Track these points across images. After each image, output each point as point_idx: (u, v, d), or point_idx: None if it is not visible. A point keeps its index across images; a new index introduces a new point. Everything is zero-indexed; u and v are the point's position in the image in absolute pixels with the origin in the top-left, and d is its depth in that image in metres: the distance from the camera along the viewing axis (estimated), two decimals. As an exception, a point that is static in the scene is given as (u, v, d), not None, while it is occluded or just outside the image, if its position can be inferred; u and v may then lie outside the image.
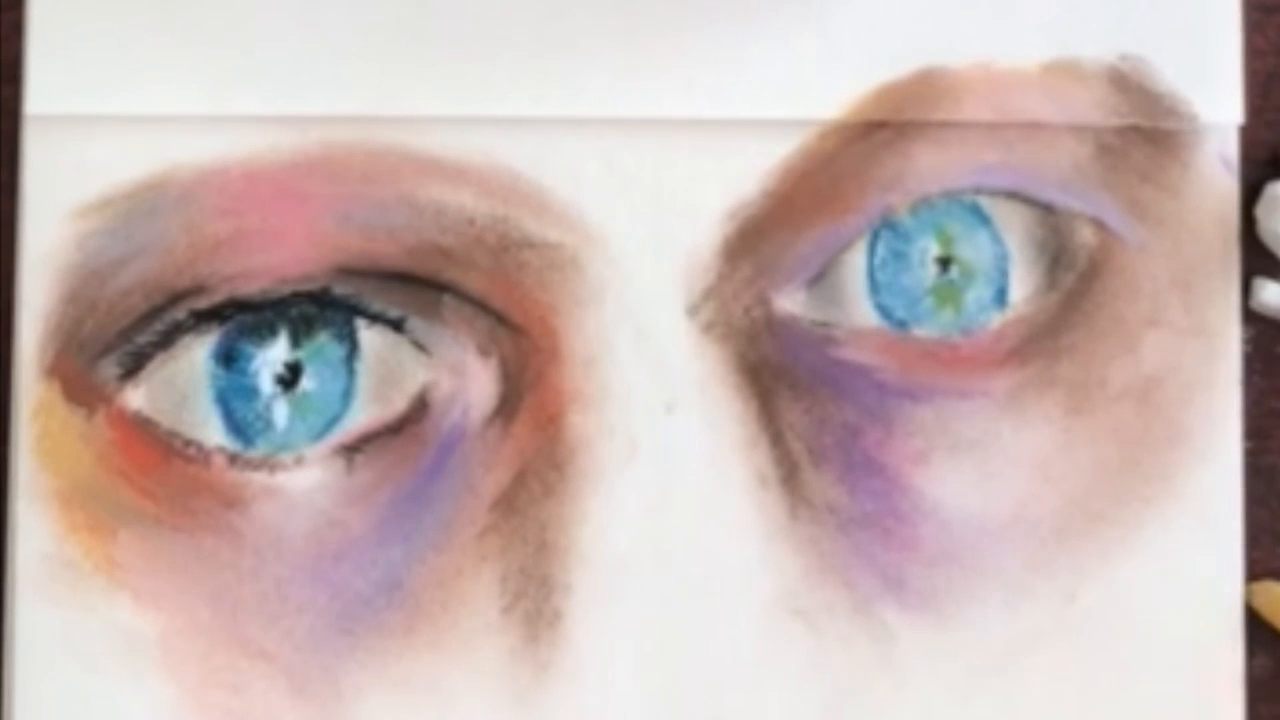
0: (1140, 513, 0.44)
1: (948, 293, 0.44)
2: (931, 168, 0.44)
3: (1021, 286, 0.44)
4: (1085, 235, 0.44)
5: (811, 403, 0.43)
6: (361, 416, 0.42)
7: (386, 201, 0.42)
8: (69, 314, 0.42)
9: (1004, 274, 0.44)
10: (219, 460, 0.42)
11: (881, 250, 0.44)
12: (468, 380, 0.42)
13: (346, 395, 0.42)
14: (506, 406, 0.42)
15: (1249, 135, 0.45)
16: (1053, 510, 0.44)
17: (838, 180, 0.43)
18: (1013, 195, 0.44)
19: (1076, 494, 0.44)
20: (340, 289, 0.42)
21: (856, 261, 0.44)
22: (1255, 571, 0.44)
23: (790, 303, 0.43)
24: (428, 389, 0.42)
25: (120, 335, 0.42)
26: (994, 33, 0.44)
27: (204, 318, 0.42)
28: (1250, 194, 0.45)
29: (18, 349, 0.42)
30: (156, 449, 0.42)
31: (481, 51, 0.43)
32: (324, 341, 0.42)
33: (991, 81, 0.44)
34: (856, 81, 0.43)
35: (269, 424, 0.42)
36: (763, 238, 0.43)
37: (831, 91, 0.43)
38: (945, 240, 0.44)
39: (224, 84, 0.42)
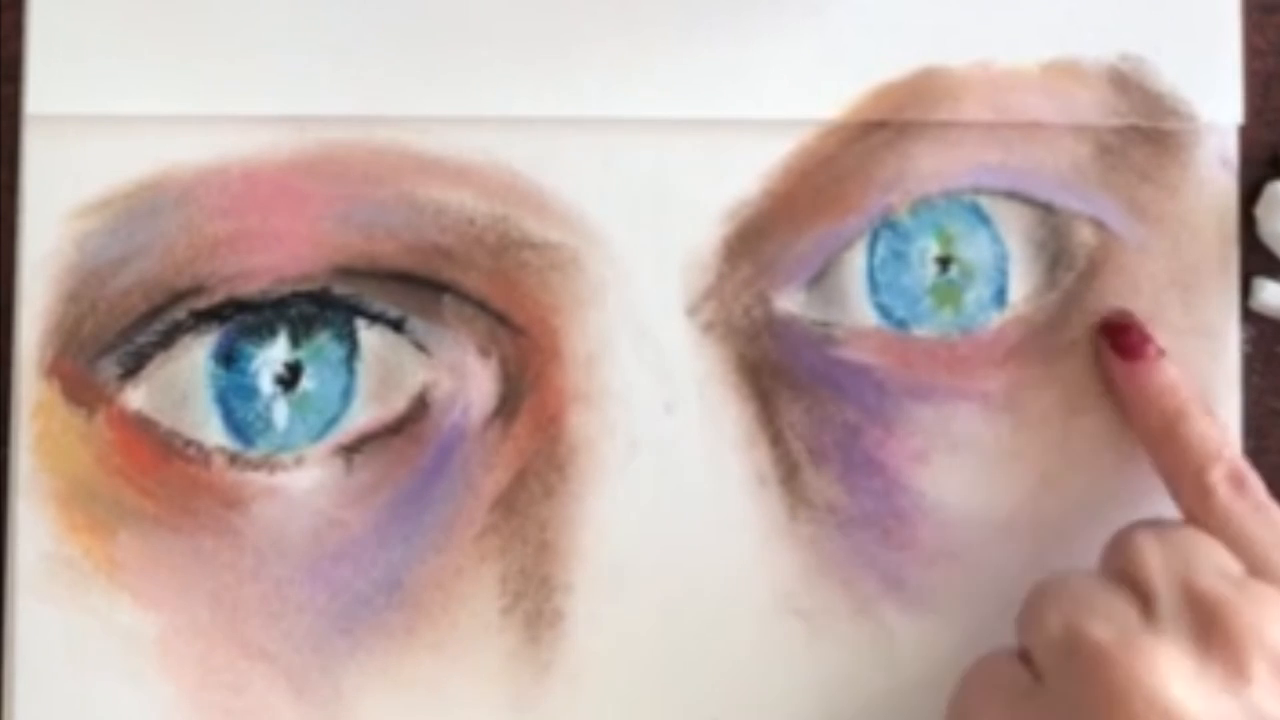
0: (1140, 513, 0.44)
1: (947, 292, 0.44)
2: (931, 168, 0.44)
3: (1021, 286, 0.44)
4: (1085, 235, 0.44)
5: (811, 402, 0.43)
6: (361, 416, 0.42)
7: (386, 201, 0.42)
8: (69, 314, 0.42)
9: (1003, 274, 0.44)
10: (219, 460, 0.42)
11: (881, 250, 0.44)
12: (468, 380, 0.42)
13: (346, 395, 0.42)
14: (506, 406, 0.42)
15: (1249, 135, 0.45)
16: (1053, 510, 0.44)
17: (838, 180, 0.43)
18: (1012, 195, 0.44)
19: (1076, 494, 0.44)
20: (340, 289, 0.42)
21: (856, 261, 0.44)
22: (1255, 571, 0.44)
23: (790, 303, 0.43)
24: (428, 389, 0.42)
25: (120, 335, 0.42)
26: (994, 33, 0.44)
27: (204, 318, 0.42)
28: (1250, 194, 0.45)
29: (18, 349, 0.42)
30: (156, 449, 0.42)
31: (481, 51, 0.43)
32: (324, 341, 0.42)
33: (991, 81, 0.44)
34: (856, 81, 0.44)
35: (269, 424, 0.42)
36: (763, 237, 0.43)
37: (831, 91, 0.43)
38: (945, 240, 0.44)
39: (224, 84, 0.42)
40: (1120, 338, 0.43)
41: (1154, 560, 0.39)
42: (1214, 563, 0.38)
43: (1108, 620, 0.38)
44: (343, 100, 0.42)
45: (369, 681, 0.42)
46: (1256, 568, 0.39)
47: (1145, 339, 0.43)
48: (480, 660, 0.42)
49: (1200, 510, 0.40)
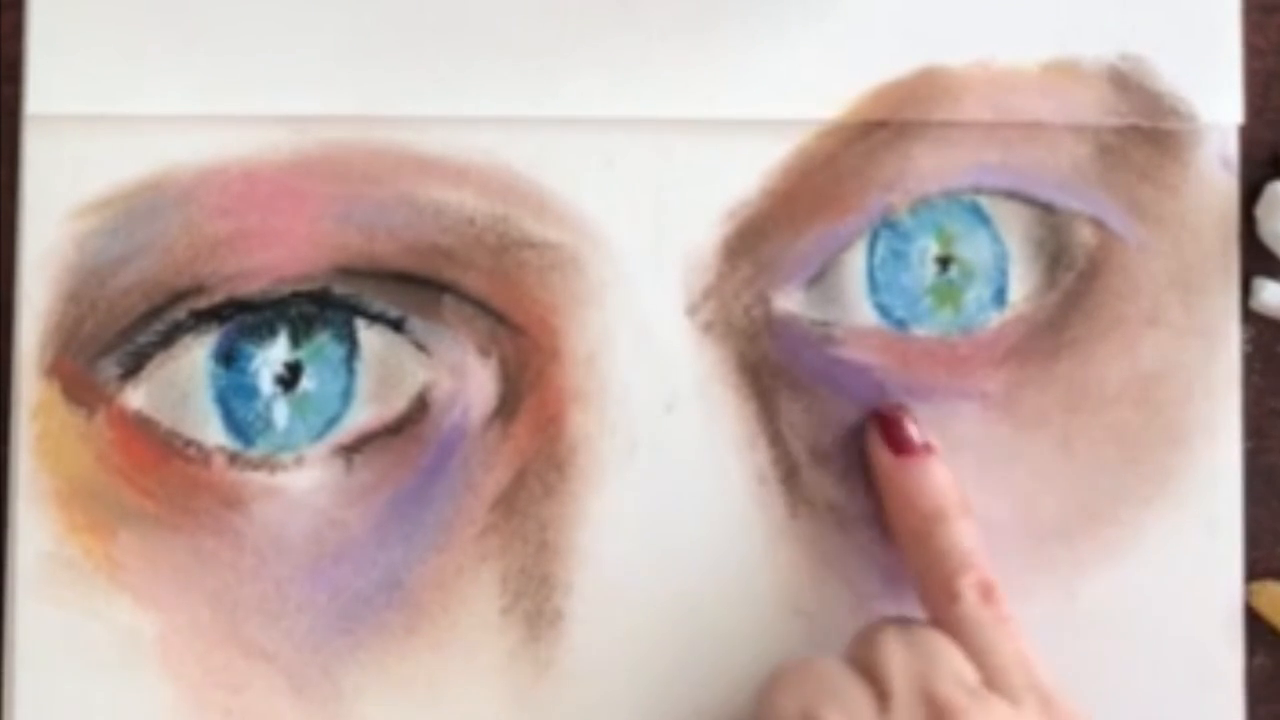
0: (1140, 513, 0.44)
1: (947, 292, 0.44)
2: (931, 167, 0.44)
3: (1021, 286, 0.44)
4: (1085, 235, 0.44)
5: (811, 402, 0.43)
6: (361, 416, 0.42)
7: (386, 201, 0.42)
8: (69, 314, 0.42)
9: (1003, 273, 0.44)
10: (219, 460, 0.42)
11: (881, 250, 0.44)
12: (468, 380, 0.42)
13: (346, 395, 0.42)
14: (506, 406, 0.42)
15: (1249, 135, 0.45)
16: (1053, 510, 0.44)
17: (838, 180, 0.43)
18: (1012, 195, 0.44)
19: (1076, 494, 0.44)
20: (340, 289, 0.42)
21: (856, 261, 0.44)
22: (1255, 571, 0.44)
23: (790, 302, 0.43)
24: (428, 389, 0.42)
25: (120, 335, 0.42)
26: (994, 32, 0.44)
27: (204, 317, 0.42)
28: (1250, 194, 0.45)
29: (18, 349, 0.42)
30: (156, 449, 0.42)
31: (481, 51, 0.43)
32: (324, 341, 0.42)
33: (991, 81, 0.44)
34: (856, 81, 0.44)
35: (269, 424, 0.42)
36: (762, 237, 0.43)
37: (831, 91, 0.43)
38: (945, 240, 0.44)
39: (224, 84, 0.42)
40: (891, 430, 0.42)
41: (895, 658, 0.39)
42: (953, 669, 0.38)
43: (842, 710, 0.38)
44: (343, 100, 0.42)
45: (369, 681, 0.42)
46: (992, 679, 0.39)
47: (915, 434, 0.42)
48: (480, 659, 0.42)
49: (946, 615, 0.40)
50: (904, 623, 0.40)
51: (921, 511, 0.41)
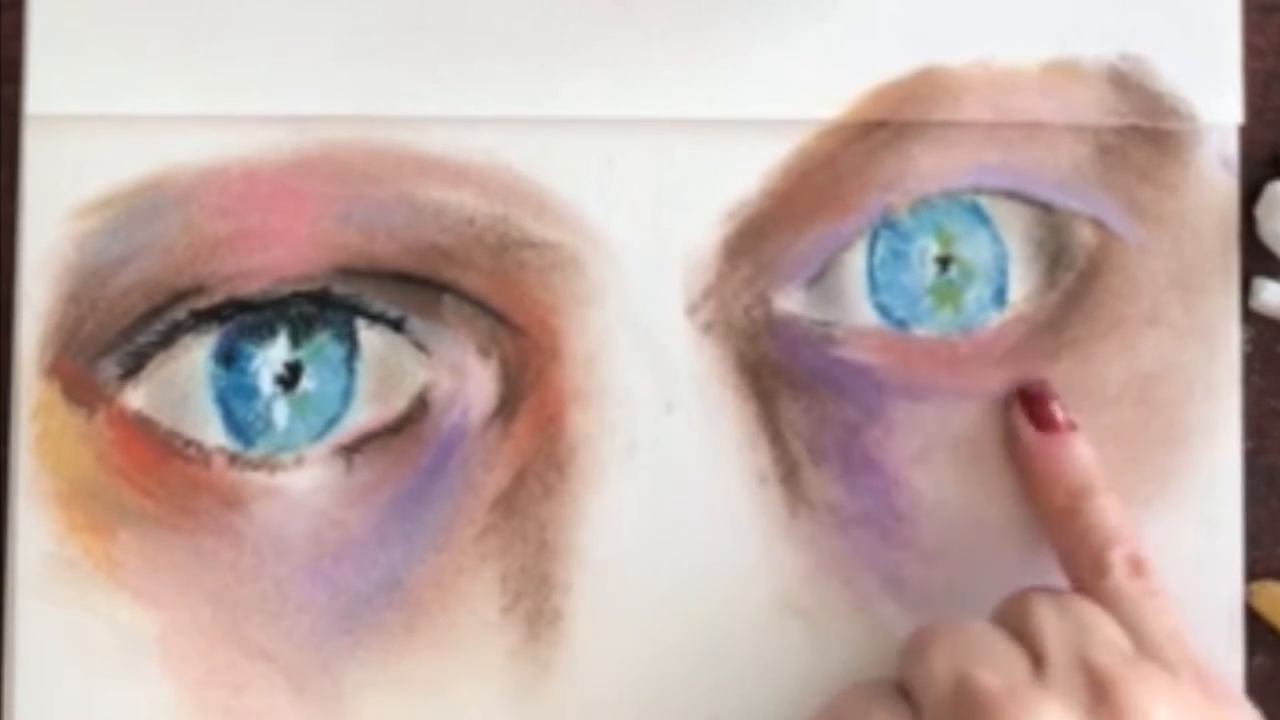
0: (1140, 513, 0.44)
1: (947, 292, 0.44)
2: (931, 167, 0.44)
3: (1021, 286, 0.44)
4: (1085, 235, 0.44)
5: (811, 402, 0.43)
6: (361, 416, 0.42)
7: (386, 201, 0.42)
8: (69, 314, 0.42)
9: (1003, 273, 0.44)
10: (219, 460, 0.42)
11: (881, 250, 0.44)
12: (468, 380, 0.42)
13: (346, 395, 0.42)
14: (506, 406, 0.42)
15: (1249, 135, 0.45)
16: (1053, 510, 0.44)
17: (837, 180, 0.43)
18: (1012, 195, 0.44)
19: (1076, 494, 0.44)
20: (340, 289, 0.42)
21: (856, 261, 0.44)
22: (1255, 571, 0.44)
23: (790, 302, 0.43)
24: (428, 389, 0.42)
25: (120, 335, 0.42)
26: (994, 32, 0.44)
27: (204, 318, 0.42)
28: (1250, 194, 0.45)
29: (18, 349, 0.42)
30: (156, 449, 0.42)
31: (481, 51, 0.43)
32: (324, 341, 0.42)
33: (991, 81, 0.44)
34: (856, 81, 0.44)
35: (269, 424, 0.42)
36: (762, 237, 0.43)
37: (831, 91, 0.43)
38: (945, 240, 0.44)
39: (224, 84, 0.42)
40: (1037, 408, 0.43)
41: (1049, 623, 0.38)
42: (1107, 637, 0.38)
43: (997, 670, 0.37)
44: (343, 100, 0.42)
45: (369, 680, 0.42)
46: (1145, 652, 0.38)
47: (1060, 410, 0.43)
48: (480, 659, 0.42)
49: (1095, 588, 0.40)
50: (1054, 591, 0.40)
51: (1068, 487, 0.42)
